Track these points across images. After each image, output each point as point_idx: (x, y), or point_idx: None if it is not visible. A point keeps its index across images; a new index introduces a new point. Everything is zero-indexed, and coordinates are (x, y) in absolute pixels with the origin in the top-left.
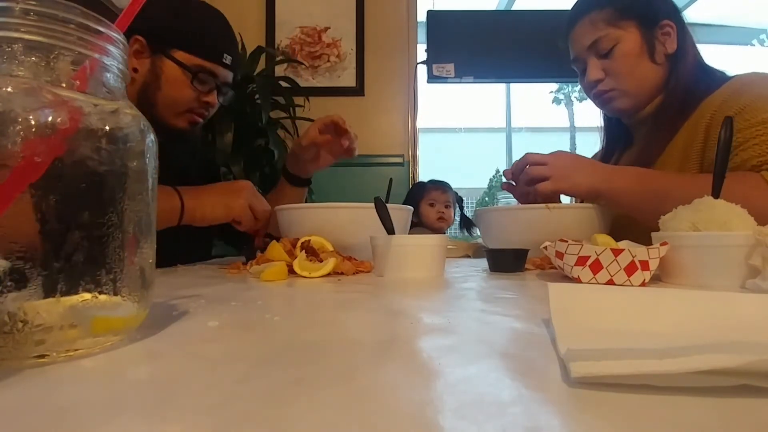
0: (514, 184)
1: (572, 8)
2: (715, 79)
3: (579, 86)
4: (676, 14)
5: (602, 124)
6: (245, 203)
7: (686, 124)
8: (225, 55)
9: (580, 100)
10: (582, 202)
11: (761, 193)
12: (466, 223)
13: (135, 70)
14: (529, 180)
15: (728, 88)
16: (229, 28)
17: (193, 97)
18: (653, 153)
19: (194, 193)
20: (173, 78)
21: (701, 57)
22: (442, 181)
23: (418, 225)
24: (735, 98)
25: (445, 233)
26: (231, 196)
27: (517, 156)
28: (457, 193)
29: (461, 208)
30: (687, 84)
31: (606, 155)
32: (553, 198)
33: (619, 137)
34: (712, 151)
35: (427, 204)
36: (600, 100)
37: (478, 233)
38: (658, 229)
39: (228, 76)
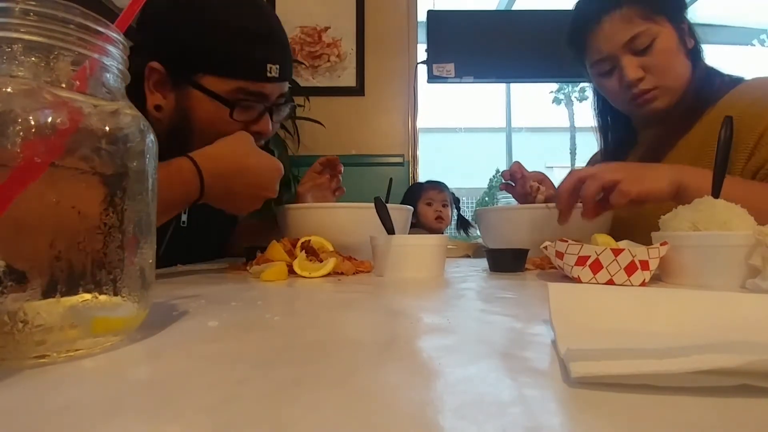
0: (512, 184)
1: (592, 4)
2: (723, 79)
3: (579, 86)
4: (685, 12)
5: (598, 125)
6: (263, 200)
7: (701, 122)
8: (269, 66)
9: (580, 100)
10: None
11: None
12: (463, 224)
13: (158, 107)
14: (597, 190)
15: (748, 91)
16: (269, 23)
17: (239, 131)
18: (662, 150)
19: (219, 189)
20: (207, 112)
21: (704, 59)
22: (439, 181)
23: (415, 225)
24: (766, 105)
25: (443, 233)
26: (245, 206)
27: (517, 156)
28: (454, 194)
29: (458, 208)
30: (698, 82)
31: (610, 157)
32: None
33: (624, 138)
34: (735, 153)
35: (425, 204)
36: (638, 101)
37: (475, 234)
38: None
39: (280, 88)
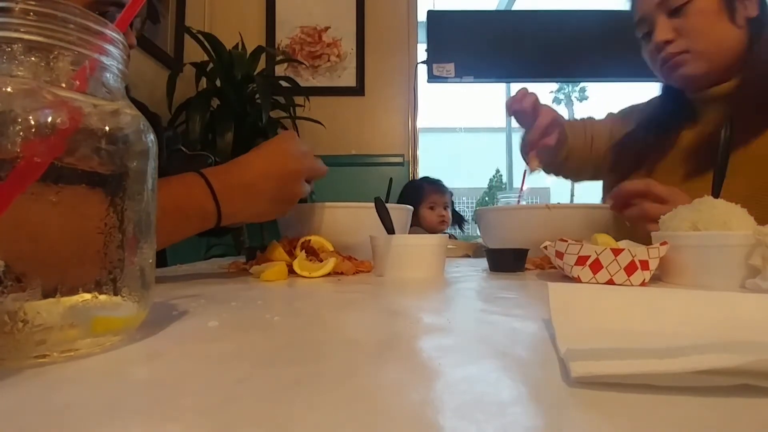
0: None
1: None
2: None
3: (579, 86)
4: None
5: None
6: (299, 197)
7: None
8: None
9: (580, 100)
10: None
11: None
12: (457, 219)
13: None
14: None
15: None
16: None
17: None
18: (729, 146)
19: (236, 193)
20: None
21: None
22: (438, 181)
23: (414, 225)
24: None
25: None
26: (286, 199)
27: (517, 155)
28: (450, 191)
29: (452, 204)
30: (764, 57)
31: (661, 128)
32: None
33: (678, 111)
34: None
35: (427, 207)
36: (668, 65)
37: (468, 230)
38: None
39: None
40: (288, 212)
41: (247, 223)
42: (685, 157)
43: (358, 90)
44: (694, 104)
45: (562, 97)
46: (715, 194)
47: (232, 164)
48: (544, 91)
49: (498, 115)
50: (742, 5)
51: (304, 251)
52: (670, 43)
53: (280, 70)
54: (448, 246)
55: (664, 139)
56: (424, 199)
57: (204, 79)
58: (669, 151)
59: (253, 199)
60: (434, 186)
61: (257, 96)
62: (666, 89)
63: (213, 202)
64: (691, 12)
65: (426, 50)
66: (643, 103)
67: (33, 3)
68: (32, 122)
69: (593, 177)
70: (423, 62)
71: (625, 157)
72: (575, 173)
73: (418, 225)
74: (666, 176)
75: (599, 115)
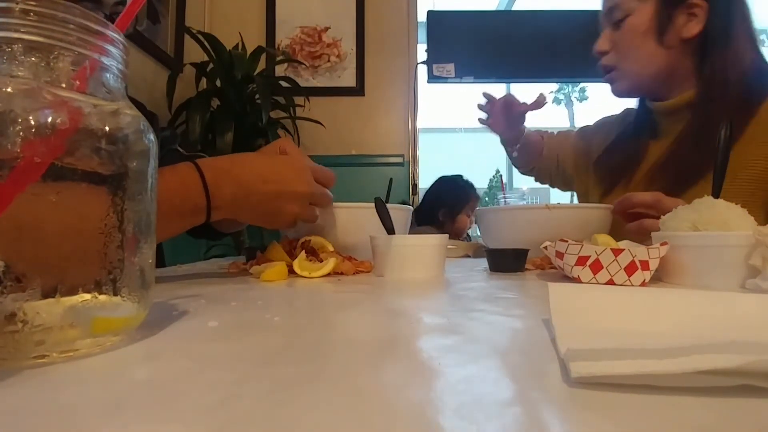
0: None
1: None
2: None
3: (579, 86)
4: None
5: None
6: (294, 218)
7: (744, 136)
8: None
9: (580, 100)
10: None
11: None
12: None
13: None
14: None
15: None
16: None
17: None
18: (698, 159)
19: (230, 195)
20: None
21: (759, 51)
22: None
23: (426, 224)
24: None
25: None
26: (275, 211)
27: None
28: None
29: None
30: (729, 78)
31: (628, 142)
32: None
33: (641, 122)
34: None
35: (466, 215)
36: (604, 78)
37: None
38: None
39: None
40: (279, 228)
41: (230, 218)
42: (657, 172)
43: (358, 90)
44: (654, 116)
45: (562, 97)
46: (715, 194)
47: (231, 157)
48: (544, 92)
49: None
50: (677, 25)
51: (304, 251)
52: (604, 55)
53: (280, 70)
54: (448, 246)
55: (634, 150)
56: (466, 206)
57: (204, 80)
58: (640, 164)
59: (242, 194)
60: (476, 194)
61: (257, 96)
62: (640, 102)
63: (203, 191)
64: (626, 28)
65: (426, 50)
66: (613, 115)
67: (33, 3)
68: (32, 122)
69: (567, 188)
70: (423, 62)
71: (606, 169)
72: (551, 183)
73: (437, 226)
74: (644, 191)
75: (599, 115)
